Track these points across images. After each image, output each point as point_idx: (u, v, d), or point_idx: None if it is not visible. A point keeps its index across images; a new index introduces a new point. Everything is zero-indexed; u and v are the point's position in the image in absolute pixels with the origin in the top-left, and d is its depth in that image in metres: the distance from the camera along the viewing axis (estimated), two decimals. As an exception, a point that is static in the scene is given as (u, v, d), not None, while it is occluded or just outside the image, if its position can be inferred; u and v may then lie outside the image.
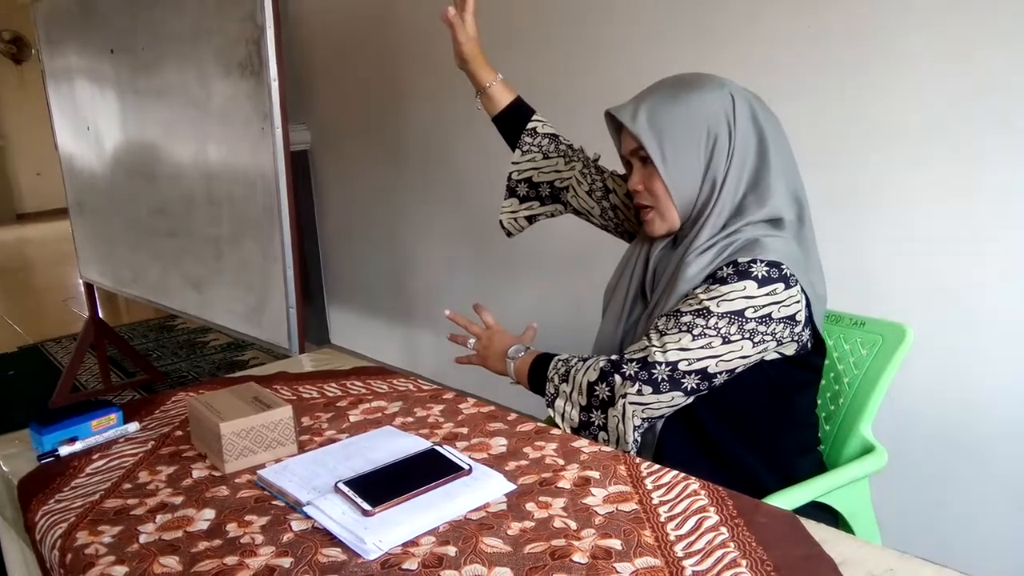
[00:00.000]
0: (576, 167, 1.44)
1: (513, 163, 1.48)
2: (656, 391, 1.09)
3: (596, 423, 1.14)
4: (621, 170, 1.41)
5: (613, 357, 1.15)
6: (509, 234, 1.53)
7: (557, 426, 1.20)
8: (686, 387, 1.10)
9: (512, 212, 1.51)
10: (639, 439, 1.12)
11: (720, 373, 1.10)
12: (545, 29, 2.39)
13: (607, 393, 1.12)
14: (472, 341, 1.37)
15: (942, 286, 1.64)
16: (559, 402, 1.18)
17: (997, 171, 1.53)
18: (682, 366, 1.09)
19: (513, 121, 1.48)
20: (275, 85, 1.93)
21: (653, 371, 1.09)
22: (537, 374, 1.23)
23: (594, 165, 1.44)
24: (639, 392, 1.10)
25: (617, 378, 1.11)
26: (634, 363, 1.11)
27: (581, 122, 2.34)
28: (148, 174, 2.62)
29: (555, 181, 1.46)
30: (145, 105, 2.57)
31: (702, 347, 1.08)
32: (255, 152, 2.05)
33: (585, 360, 1.18)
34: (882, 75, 1.66)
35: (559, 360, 1.21)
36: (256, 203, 2.10)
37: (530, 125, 1.47)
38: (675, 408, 1.12)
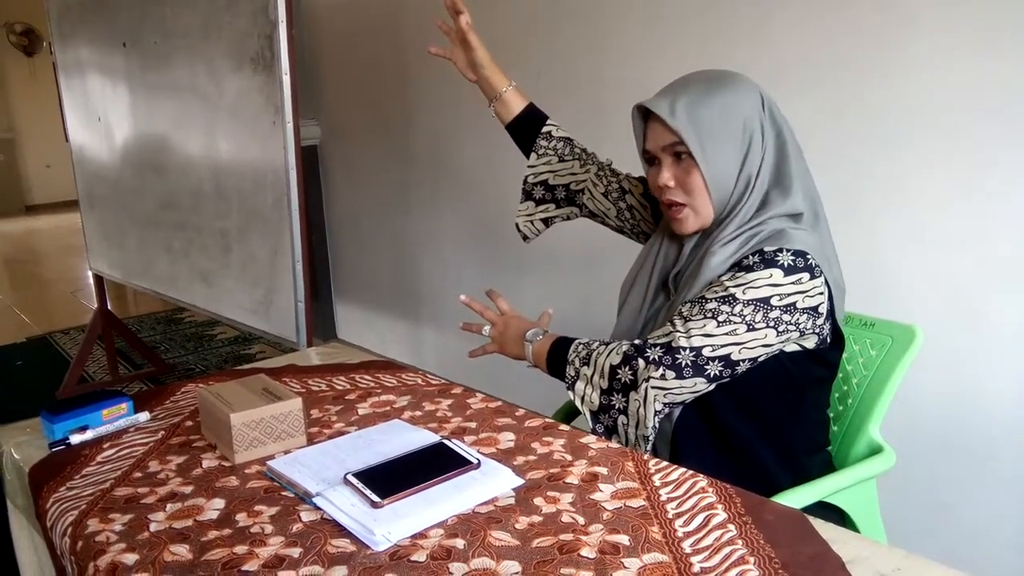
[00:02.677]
0: (591, 170, 1.44)
1: (529, 166, 1.49)
2: (679, 376, 1.09)
3: (616, 407, 1.14)
4: (634, 173, 1.41)
5: (636, 341, 1.15)
6: (525, 238, 1.53)
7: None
8: (709, 373, 1.09)
9: (528, 215, 1.51)
10: (658, 425, 1.12)
11: (743, 361, 1.10)
12: (556, 27, 2.39)
13: (629, 377, 1.12)
14: (487, 328, 1.37)
15: (952, 288, 1.63)
16: (579, 385, 1.18)
17: (1008, 174, 1.53)
18: (706, 352, 1.09)
19: (527, 127, 1.48)
20: (287, 79, 1.94)
21: (677, 356, 1.09)
22: (556, 357, 1.23)
23: (608, 168, 1.44)
24: (662, 377, 1.10)
25: (640, 362, 1.11)
26: (658, 348, 1.11)
27: (594, 124, 2.35)
28: (158, 167, 2.64)
29: (571, 184, 1.46)
30: (156, 98, 2.58)
31: (726, 334, 1.08)
32: (265, 146, 2.06)
33: (607, 344, 1.18)
34: (893, 77, 1.65)
35: (580, 343, 1.21)
36: (265, 197, 2.11)
37: (545, 129, 1.47)
38: (696, 395, 1.12)
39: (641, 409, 1.11)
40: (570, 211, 1.49)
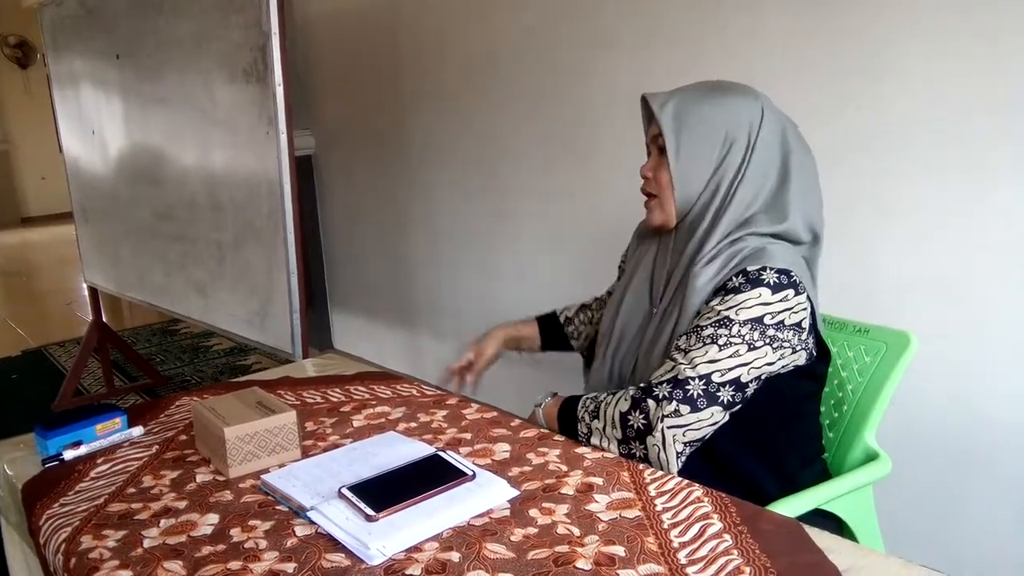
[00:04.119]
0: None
1: (577, 351, 1.54)
2: (694, 409, 1.07)
3: (637, 455, 1.10)
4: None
5: (641, 384, 1.13)
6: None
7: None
8: (722, 400, 1.07)
9: (578, 342, 1.54)
10: (680, 465, 1.08)
11: (751, 382, 1.09)
12: (555, 40, 2.40)
13: (642, 422, 1.08)
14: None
15: (947, 292, 1.63)
16: (595, 440, 1.14)
17: (1006, 180, 1.53)
18: (715, 378, 1.07)
19: (553, 333, 1.54)
20: (280, 90, 1.94)
21: (687, 388, 1.07)
22: (567, 417, 1.19)
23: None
24: (676, 412, 1.06)
25: (650, 403, 1.08)
26: (665, 384, 1.08)
27: (587, 134, 2.35)
28: (153, 179, 2.63)
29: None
30: (150, 110, 2.58)
31: (730, 356, 1.07)
32: (259, 157, 2.06)
33: (613, 393, 1.15)
34: (893, 83, 1.66)
35: (587, 398, 1.18)
36: (260, 208, 2.11)
37: (562, 320, 1.54)
38: (715, 427, 1.09)
39: (662, 453, 1.07)
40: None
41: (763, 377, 1.10)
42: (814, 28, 1.76)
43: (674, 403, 1.07)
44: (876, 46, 1.66)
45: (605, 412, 1.13)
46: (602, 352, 1.30)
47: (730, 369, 1.07)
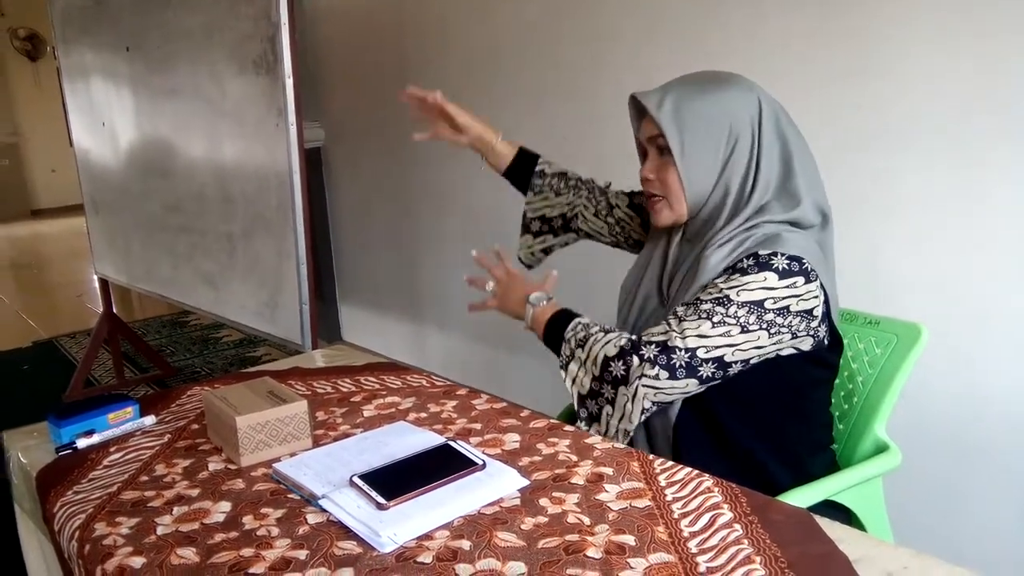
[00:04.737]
0: (583, 194, 1.48)
1: (527, 203, 1.52)
2: (672, 376, 1.09)
3: (605, 396, 1.14)
4: (625, 180, 1.42)
5: (633, 337, 1.14)
6: (529, 267, 1.56)
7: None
8: (702, 375, 1.09)
9: (528, 247, 1.55)
10: (641, 421, 1.12)
11: (736, 363, 1.10)
12: (557, 25, 2.39)
13: (622, 371, 1.12)
14: (491, 284, 1.37)
15: (957, 286, 1.63)
16: (572, 366, 1.18)
17: (1006, 179, 1.52)
18: (700, 353, 1.08)
19: (521, 169, 1.51)
20: (290, 82, 1.94)
21: (672, 356, 1.09)
22: (554, 330, 1.22)
23: (598, 188, 1.48)
24: (656, 376, 1.09)
25: (635, 359, 1.11)
26: (653, 346, 1.11)
27: (590, 128, 2.35)
28: (163, 171, 2.64)
29: (566, 213, 1.49)
30: (160, 102, 2.59)
31: (721, 335, 1.08)
32: (269, 149, 2.07)
33: (606, 332, 1.17)
34: (893, 83, 1.65)
35: (579, 323, 1.21)
36: (270, 200, 2.11)
37: (537, 168, 1.50)
38: (686, 395, 1.12)
39: (629, 404, 1.11)
40: (568, 238, 1.53)
41: (751, 360, 1.10)
42: (814, 27, 1.75)
43: (656, 368, 1.09)
44: (876, 46, 1.65)
45: (591, 348, 1.16)
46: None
47: (717, 347, 1.09)
